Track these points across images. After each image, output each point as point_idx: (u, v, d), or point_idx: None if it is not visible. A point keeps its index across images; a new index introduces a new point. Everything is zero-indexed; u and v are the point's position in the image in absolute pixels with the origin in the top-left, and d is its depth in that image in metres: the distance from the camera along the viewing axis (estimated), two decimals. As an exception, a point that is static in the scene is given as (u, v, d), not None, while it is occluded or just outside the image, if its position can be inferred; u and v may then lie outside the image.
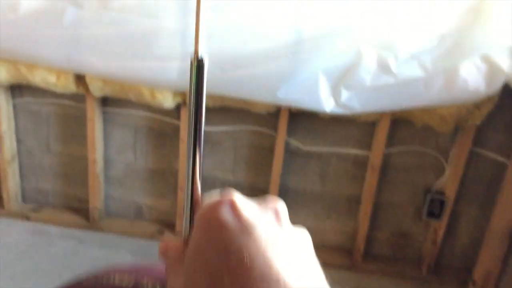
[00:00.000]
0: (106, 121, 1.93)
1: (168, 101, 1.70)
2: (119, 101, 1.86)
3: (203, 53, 0.42)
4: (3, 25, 1.56)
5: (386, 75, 1.52)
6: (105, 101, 1.89)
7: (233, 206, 0.34)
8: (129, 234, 2.02)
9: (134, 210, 2.09)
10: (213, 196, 0.37)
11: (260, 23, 1.51)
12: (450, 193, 1.79)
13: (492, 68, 1.48)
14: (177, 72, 1.56)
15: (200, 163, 0.44)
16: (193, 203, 0.44)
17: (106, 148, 1.98)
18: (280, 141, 1.81)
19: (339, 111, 1.59)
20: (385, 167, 1.83)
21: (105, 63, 1.60)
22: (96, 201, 2.01)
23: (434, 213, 1.83)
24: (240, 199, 0.35)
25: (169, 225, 2.06)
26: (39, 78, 1.72)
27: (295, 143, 1.86)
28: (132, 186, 2.05)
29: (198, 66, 0.41)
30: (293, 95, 1.58)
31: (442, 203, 1.81)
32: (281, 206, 0.38)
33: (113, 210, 2.10)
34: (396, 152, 1.82)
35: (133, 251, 1.93)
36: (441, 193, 1.82)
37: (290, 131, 1.83)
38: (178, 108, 1.80)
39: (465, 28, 1.49)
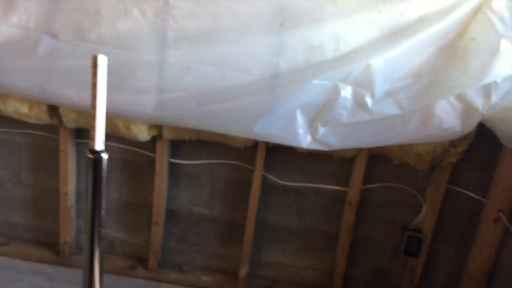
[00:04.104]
0: (79, 152, 1.89)
1: (143, 134, 1.68)
2: (94, 133, 1.82)
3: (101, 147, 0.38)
4: (-25, 54, 1.53)
5: (362, 112, 1.52)
6: (79, 132, 1.85)
7: None
8: (100, 269, 1.95)
9: (106, 245, 2.02)
10: None
11: (239, 57, 1.51)
12: (427, 230, 1.78)
13: (467, 107, 1.49)
14: (152, 105, 1.54)
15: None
16: None
17: (79, 180, 1.93)
18: (257, 176, 1.79)
19: (316, 147, 1.58)
20: (363, 203, 1.82)
21: (80, 95, 1.57)
22: (67, 236, 1.94)
23: (412, 250, 1.82)
24: None
25: (142, 260, 2.00)
26: (11, 108, 1.68)
27: (272, 177, 1.83)
28: (105, 220, 1.99)
29: (94, 161, 0.38)
30: (270, 131, 1.56)
31: (419, 241, 1.79)
32: None
33: (85, 245, 2.03)
34: (373, 188, 1.81)
35: (103, 288, 1.86)
36: (419, 230, 1.80)
37: (268, 166, 1.81)
38: (153, 140, 1.77)
39: (441, 67, 1.50)
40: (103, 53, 1.49)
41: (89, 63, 1.50)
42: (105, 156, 0.38)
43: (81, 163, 1.91)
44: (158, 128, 1.72)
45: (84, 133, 1.85)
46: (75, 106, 1.62)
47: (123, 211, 1.97)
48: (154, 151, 1.81)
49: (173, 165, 1.87)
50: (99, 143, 0.38)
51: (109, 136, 1.79)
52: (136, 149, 1.85)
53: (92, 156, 0.38)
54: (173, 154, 1.85)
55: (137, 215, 1.97)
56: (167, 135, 1.72)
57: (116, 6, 1.49)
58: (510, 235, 1.62)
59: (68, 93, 1.57)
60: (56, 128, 1.80)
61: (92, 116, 0.37)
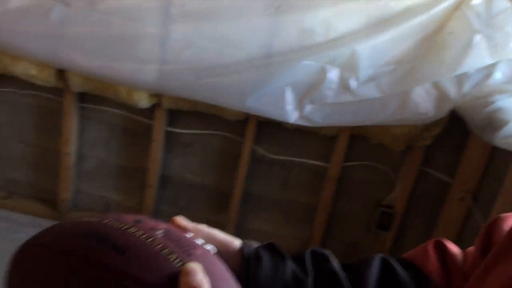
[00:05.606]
0: (82, 116, 2.01)
1: (143, 101, 1.80)
2: (97, 98, 1.95)
3: None
4: (-8, 16, 1.64)
5: (346, 93, 1.66)
6: (82, 97, 1.97)
7: None
8: (95, 227, 2.08)
9: (102, 205, 2.16)
10: None
11: (236, 36, 1.64)
12: (399, 207, 1.94)
13: (441, 95, 1.64)
14: (153, 75, 1.67)
15: None
16: None
17: (80, 142, 2.06)
18: (246, 148, 1.93)
19: (302, 123, 1.72)
20: (341, 180, 1.97)
21: (88, 61, 1.69)
22: (66, 194, 2.08)
23: (384, 225, 1.98)
24: None
25: (134, 221, 2.13)
26: (21, 69, 1.80)
27: (260, 150, 1.98)
28: (102, 182, 2.13)
29: None
30: (261, 105, 1.70)
31: (391, 216, 1.95)
32: None
33: (82, 204, 2.17)
34: (352, 166, 1.96)
35: (97, 243, 2.00)
36: (391, 207, 1.96)
37: (257, 139, 1.95)
38: (152, 108, 1.90)
39: (420, 57, 1.64)
40: (110, 23, 1.63)
41: (97, 31, 1.63)
42: None
43: (83, 126, 2.03)
44: (158, 97, 1.85)
45: (87, 98, 1.97)
46: (82, 71, 1.74)
47: (120, 174, 2.10)
48: (152, 119, 1.94)
49: (168, 134, 2.00)
50: None
51: (111, 103, 1.92)
52: (136, 116, 1.97)
53: None
54: (169, 123, 1.98)
55: (133, 180, 2.10)
56: (166, 104, 1.85)
57: (126, -19, 1.61)
58: (472, 213, 1.78)
59: (76, 59, 1.69)
60: (61, 91, 1.92)
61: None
